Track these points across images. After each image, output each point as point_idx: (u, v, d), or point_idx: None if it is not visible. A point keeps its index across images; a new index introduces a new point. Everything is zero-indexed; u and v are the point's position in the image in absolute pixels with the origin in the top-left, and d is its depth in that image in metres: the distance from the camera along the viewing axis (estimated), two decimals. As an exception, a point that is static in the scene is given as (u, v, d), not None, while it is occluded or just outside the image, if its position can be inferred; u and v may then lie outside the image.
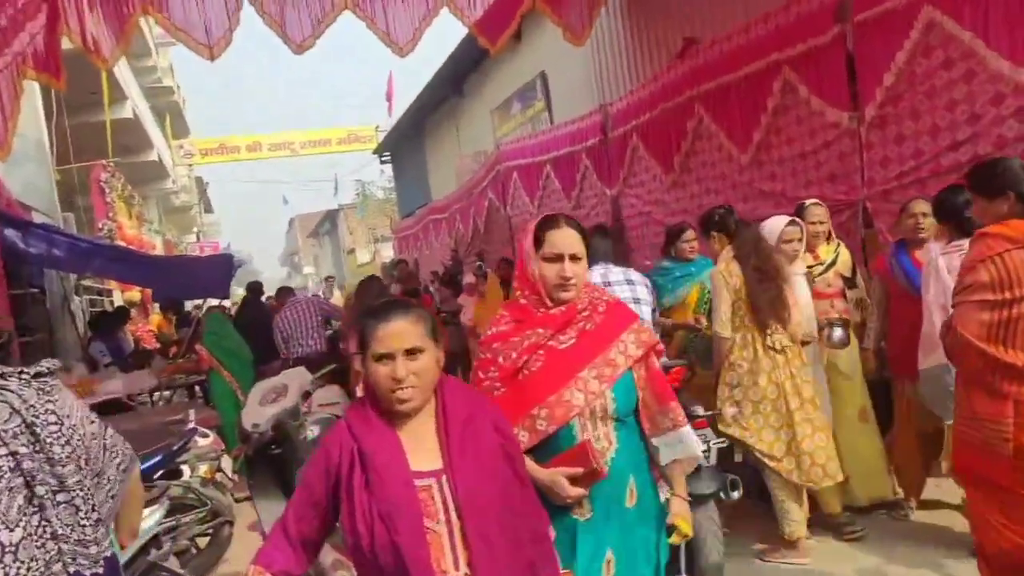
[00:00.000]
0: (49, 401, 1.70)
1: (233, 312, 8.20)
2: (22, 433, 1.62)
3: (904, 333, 3.79)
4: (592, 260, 3.82)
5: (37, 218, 7.69)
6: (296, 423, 3.91)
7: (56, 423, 1.69)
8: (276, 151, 23.00)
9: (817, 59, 5.29)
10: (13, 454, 1.60)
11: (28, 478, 1.61)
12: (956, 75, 4.30)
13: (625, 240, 8.47)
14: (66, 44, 7.17)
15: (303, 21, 7.05)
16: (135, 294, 10.95)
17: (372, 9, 7.23)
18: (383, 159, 22.94)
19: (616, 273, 3.92)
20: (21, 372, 1.72)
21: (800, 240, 3.87)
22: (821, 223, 4.21)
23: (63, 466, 1.66)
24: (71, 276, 7.46)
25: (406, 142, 20.35)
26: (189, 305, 9.63)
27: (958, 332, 2.36)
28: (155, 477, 3.90)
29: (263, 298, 7.87)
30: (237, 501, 4.50)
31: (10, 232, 5.37)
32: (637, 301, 3.78)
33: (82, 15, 6.71)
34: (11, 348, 6.10)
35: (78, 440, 1.73)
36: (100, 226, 10.44)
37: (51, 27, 6.67)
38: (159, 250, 18.09)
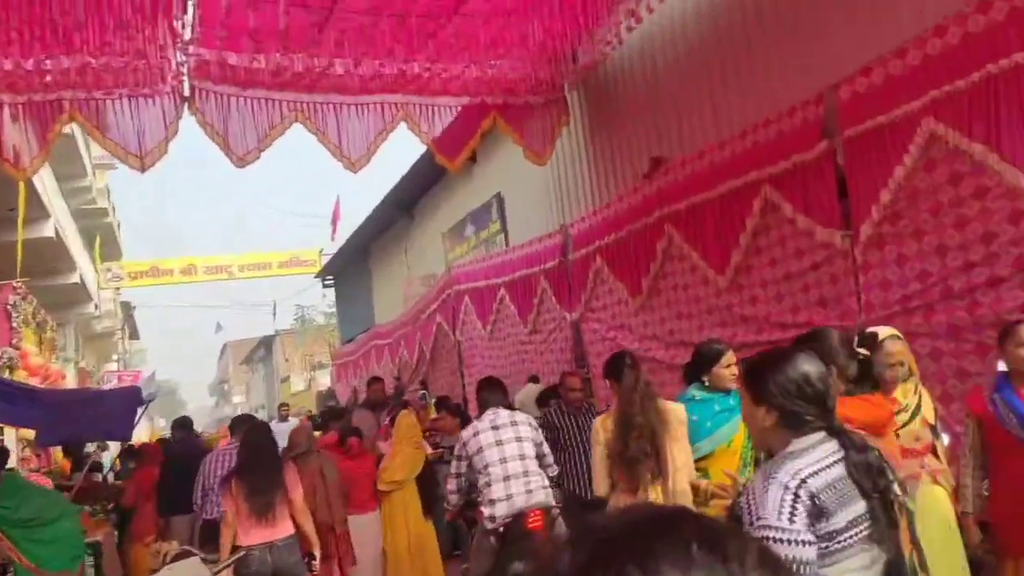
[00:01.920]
0: None
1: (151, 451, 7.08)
2: None
3: (1015, 494, 3.00)
4: (482, 408, 4.65)
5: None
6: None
7: None
8: (212, 274, 22.03)
9: (803, 176, 5.02)
10: None
11: None
12: (965, 191, 4.00)
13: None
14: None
15: (247, 134, 6.60)
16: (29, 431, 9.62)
17: (324, 122, 6.86)
18: (326, 283, 22.32)
19: (503, 416, 4.47)
20: None
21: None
22: (901, 363, 3.19)
23: None
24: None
25: (351, 265, 19.86)
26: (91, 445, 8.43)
27: None
28: None
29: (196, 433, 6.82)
30: None
31: None
32: (520, 439, 4.35)
33: (1, 122, 6.07)
34: None
35: None
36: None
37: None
38: (71, 381, 16.57)
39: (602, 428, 3.56)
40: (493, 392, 4.74)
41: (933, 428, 3.25)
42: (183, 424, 6.86)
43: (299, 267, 22.93)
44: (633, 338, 7.13)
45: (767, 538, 1.61)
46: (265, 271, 22.75)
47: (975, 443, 3.19)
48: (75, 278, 14.90)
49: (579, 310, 8.06)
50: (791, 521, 1.60)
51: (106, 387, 18.22)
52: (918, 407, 3.18)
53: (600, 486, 3.54)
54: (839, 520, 1.64)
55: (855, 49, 4.83)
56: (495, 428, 4.39)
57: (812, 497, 1.62)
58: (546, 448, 4.56)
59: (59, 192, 13.18)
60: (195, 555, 4.26)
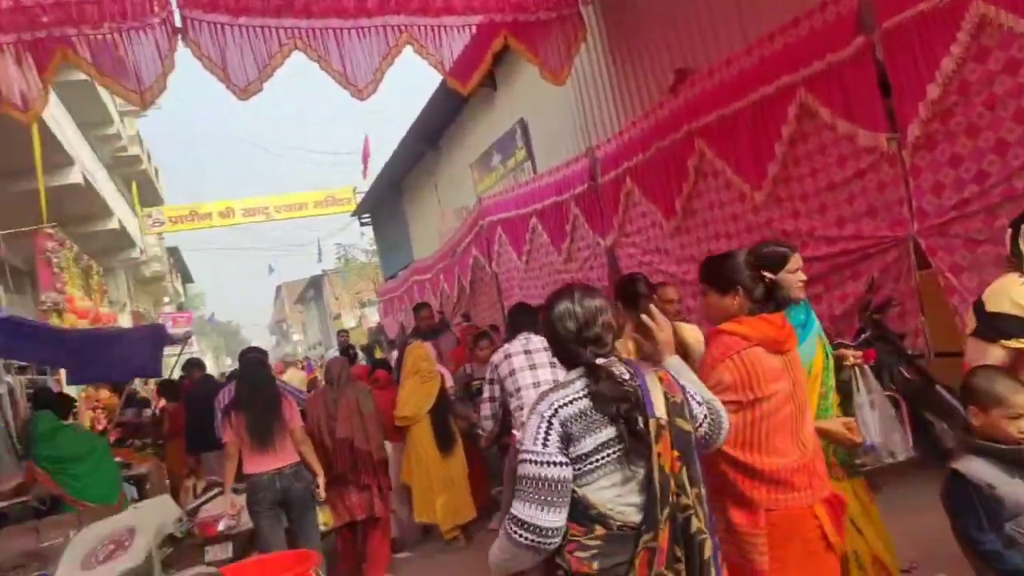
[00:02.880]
0: None
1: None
2: None
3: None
4: (513, 332, 4.58)
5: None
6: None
7: None
8: (251, 216, 22.12)
9: (841, 76, 4.52)
10: None
11: None
12: (1025, 78, 3.48)
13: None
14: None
15: (246, 64, 6.29)
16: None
17: (325, 49, 6.49)
18: (363, 221, 22.22)
19: (536, 341, 4.32)
20: None
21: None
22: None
23: None
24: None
25: (385, 202, 19.71)
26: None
27: None
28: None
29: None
30: None
31: None
32: (554, 365, 3.90)
33: (5, 67, 5.90)
34: None
35: None
36: (43, 299, 9.46)
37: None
38: (125, 323, 17.00)
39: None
40: (525, 316, 4.66)
41: None
42: (198, 364, 6.87)
43: (335, 206, 22.83)
44: (670, 261, 6.79)
45: (525, 459, 1.89)
46: (301, 211, 22.74)
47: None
48: (113, 224, 15.13)
49: (613, 235, 7.70)
50: (544, 445, 1.87)
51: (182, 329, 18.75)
52: None
53: None
54: (587, 444, 1.87)
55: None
56: (527, 352, 4.34)
57: (563, 424, 1.88)
58: None
59: (83, 139, 13.18)
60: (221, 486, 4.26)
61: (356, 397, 5.29)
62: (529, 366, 4.24)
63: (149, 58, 6.05)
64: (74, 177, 11.38)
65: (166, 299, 26.63)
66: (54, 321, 8.88)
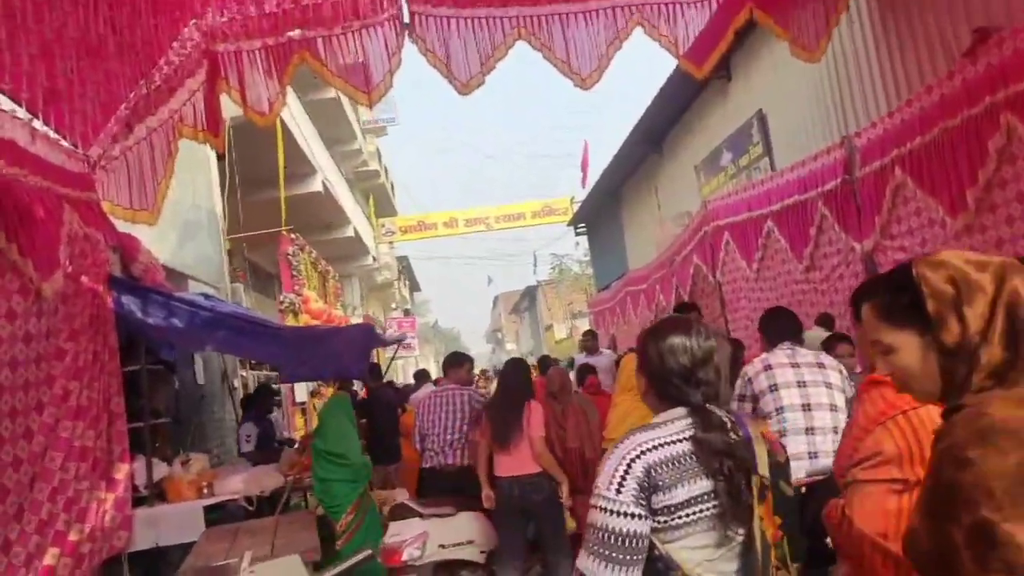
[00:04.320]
0: None
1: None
2: None
3: None
4: (771, 343, 3.82)
5: (195, 287, 7.25)
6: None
7: None
8: (472, 226, 22.91)
9: None
10: None
11: None
12: None
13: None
14: (237, 112, 6.77)
15: (469, 57, 6.07)
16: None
17: (549, 36, 6.09)
18: (578, 231, 22.06)
19: (806, 355, 3.68)
20: None
21: None
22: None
23: None
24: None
25: (602, 211, 19.38)
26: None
27: (855, 525, 1.77)
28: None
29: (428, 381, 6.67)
30: None
31: (127, 300, 4.66)
32: (830, 386, 3.54)
33: (242, 70, 6.22)
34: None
35: None
36: (281, 299, 10.14)
37: (210, 83, 6.24)
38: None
39: None
40: (787, 324, 3.88)
41: None
42: (372, 371, 6.77)
43: (552, 216, 22.91)
44: (952, 269, 5.46)
45: (595, 505, 1.64)
46: (520, 221, 23.08)
47: None
48: (349, 232, 16.20)
49: (873, 238, 6.48)
50: (618, 491, 1.61)
51: (388, 332, 19.64)
52: None
53: None
54: (678, 495, 1.62)
55: None
56: (795, 366, 3.62)
57: (648, 470, 1.62)
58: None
59: (326, 153, 14.24)
60: (414, 510, 3.89)
61: (582, 407, 5.25)
62: (797, 383, 3.48)
63: (377, 56, 6.04)
64: (315, 186, 12.25)
65: (393, 305, 28.44)
66: (290, 321, 9.44)
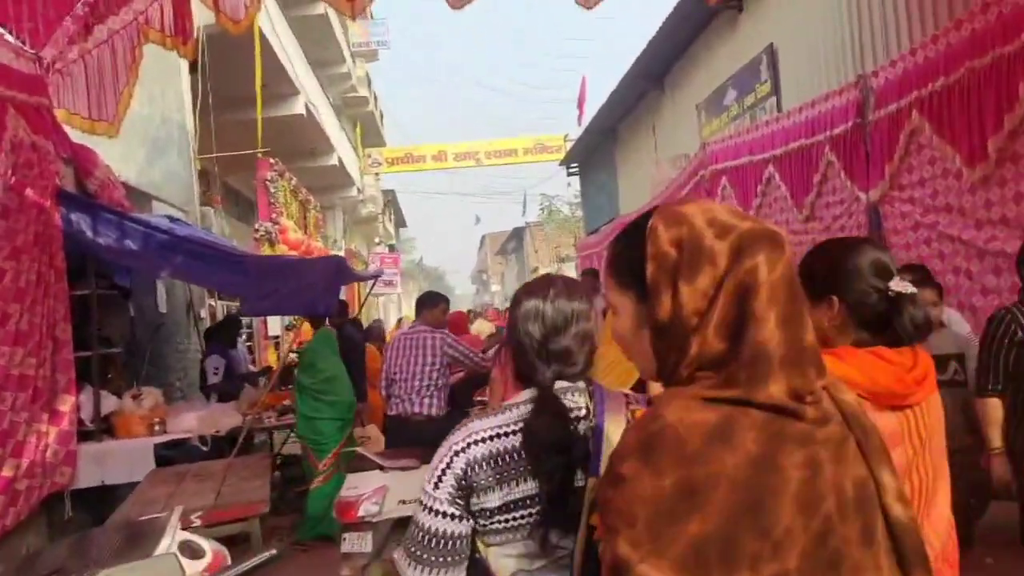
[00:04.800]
0: None
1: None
2: None
3: None
4: None
5: (161, 209, 6.80)
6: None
7: None
8: (461, 161, 22.28)
9: None
10: None
11: None
12: None
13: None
14: (211, 19, 6.23)
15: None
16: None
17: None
18: (570, 170, 21.49)
19: None
20: None
21: None
22: None
23: None
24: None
25: (595, 151, 18.80)
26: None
27: None
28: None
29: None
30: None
31: (76, 217, 4.24)
32: None
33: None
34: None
35: None
36: (256, 227, 9.69)
37: (175, -18, 5.70)
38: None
39: None
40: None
41: None
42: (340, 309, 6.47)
43: (544, 154, 22.28)
44: (965, 223, 5.15)
45: (418, 499, 1.44)
46: (511, 158, 22.45)
47: None
48: (333, 160, 15.60)
49: (881, 188, 6.10)
50: (436, 488, 1.41)
51: (371, 268, 19.15)
52: None
53: None
54: (492, 499, 1.39)
55: None
56: None
57: (466, 467, 1.40)
58: None
59: (311, 74, 13.54)
60: (374, 461, 3.58)
61: None
62: None
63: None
64: (297, 108, 11.64)
65: (377, 239, 27.96)
66: (265, 250, 9.02)
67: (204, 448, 4.54)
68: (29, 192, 4.13)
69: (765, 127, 8.18)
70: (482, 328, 13.60)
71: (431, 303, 4.92)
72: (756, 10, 9.26)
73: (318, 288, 4.48)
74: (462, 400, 5.41)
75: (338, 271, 4.69)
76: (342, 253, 19.55)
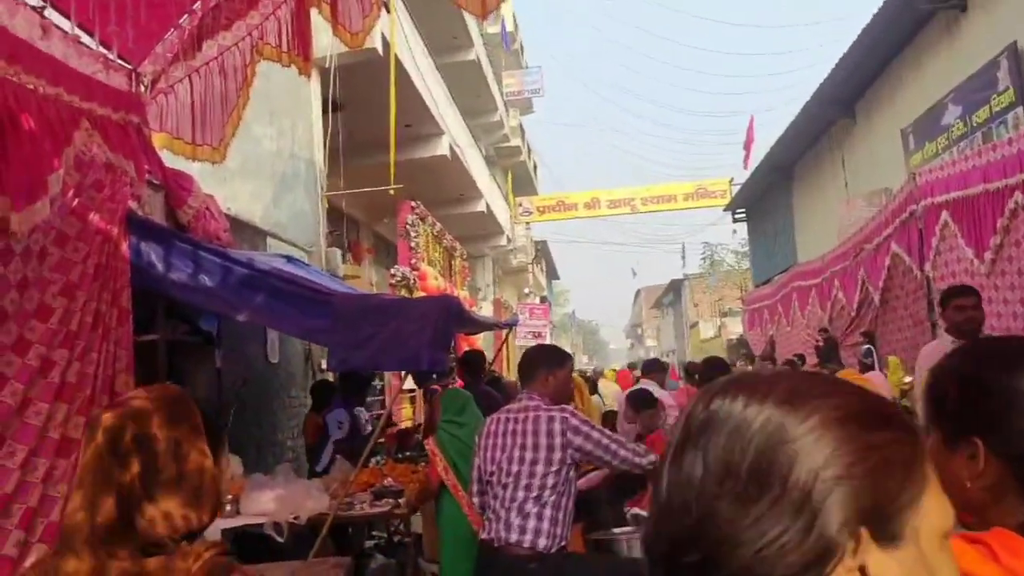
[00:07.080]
0: None
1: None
2: None
3: None
4: None
5: (276, 247, 6.17)
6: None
7: None
8: (615, 208, 21.16)
9: None
10: None
11: None
12: None
13: None
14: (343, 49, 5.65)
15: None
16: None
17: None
18: (737, 216, 19.77)
19: None
20: None
21: None
22: None
23: None
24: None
25: (768, 192, 17.15)
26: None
27: None
28: None
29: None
30: None
31: (147, 248, 3.50)
32: None
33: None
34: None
35: None
36: (392, 272, 9.04)
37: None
38: (486, 311, 16.95)
39: None
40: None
41: None
42: (471, 365, 5.32)
43: (706, 199, 20.68)
44: None
45: None
46: (668, 204, 21.03)
47: None
48: (481, 207, 15.07)
49: None
50: None
51: (519, 319, 17.61)
52: None
53: None
54: None
55: None
56: None
57: None
58: None
59: (456, 113, 13.10)
60: None
61: None
62: None
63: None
64: (441, 149, 11.13)
65: (527, 290, 27.31)
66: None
67: (280, 539, 3.49)
68: (93, 217, 3.46)
69: (1009, 146, 6.46)
70: (607, 391, 10.27)
71: (548, 361, 3.12)
72: (987, 4, 7.58)
73: (424, 336, 3.30)
74: (601, 516, 3.63)
75: (445, 314, 3.40)
76: (491, 304, 18.89)
